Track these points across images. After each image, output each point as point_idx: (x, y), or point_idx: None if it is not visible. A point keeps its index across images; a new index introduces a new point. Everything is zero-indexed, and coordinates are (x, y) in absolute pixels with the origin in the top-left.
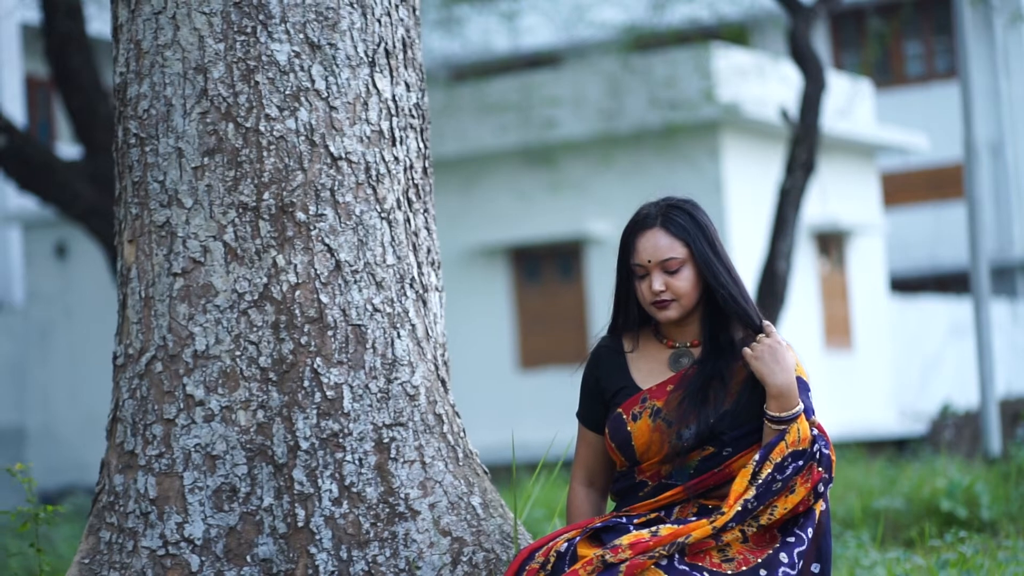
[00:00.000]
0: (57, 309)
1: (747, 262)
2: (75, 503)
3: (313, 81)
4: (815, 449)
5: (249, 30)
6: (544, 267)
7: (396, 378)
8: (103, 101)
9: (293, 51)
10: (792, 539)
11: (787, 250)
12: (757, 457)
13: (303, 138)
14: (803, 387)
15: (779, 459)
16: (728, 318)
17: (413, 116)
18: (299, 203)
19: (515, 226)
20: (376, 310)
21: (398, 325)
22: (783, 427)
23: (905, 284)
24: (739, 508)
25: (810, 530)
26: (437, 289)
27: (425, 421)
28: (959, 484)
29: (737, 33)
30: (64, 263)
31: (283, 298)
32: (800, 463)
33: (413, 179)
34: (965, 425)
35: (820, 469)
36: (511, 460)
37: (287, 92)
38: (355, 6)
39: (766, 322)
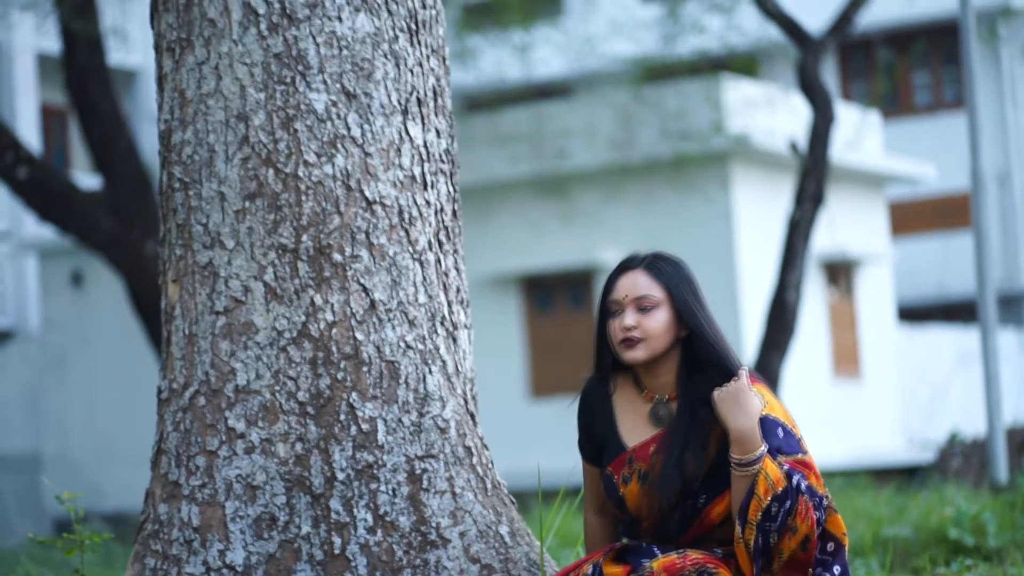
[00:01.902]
0: (73, 337)
1: (756, 292)
2: (91, 529)
3: (349, 129)
4: (794, 484)
5: (288, 80)
6: (556, 296)
7: (428, 412)
8: (122, 132)
9: (330, 100)
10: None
11: (797, 281)
12: (739, 527)
13: (340, 183)
14: (771, 426)
15: (758, 517)
16: (704, 371)
17: (443, 161)
18: (336, 245)
19: (527, 255)
20: (409, 347)
21: (429, 361)
22: (747, 472)
23: (913, 313)
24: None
25: (837, 568)
26: (466, 327)
27: (455, 453)
28: (966, 513)
29: (746, 64)
30: (80, 291)
31: (320, 335)
32: (788, 504)
33: (443, 222)
34: (973, 453)
35: (810, 503)
36: (523, 488)
37: (324, 139)
38: (389, 57)
39: (741, 368)
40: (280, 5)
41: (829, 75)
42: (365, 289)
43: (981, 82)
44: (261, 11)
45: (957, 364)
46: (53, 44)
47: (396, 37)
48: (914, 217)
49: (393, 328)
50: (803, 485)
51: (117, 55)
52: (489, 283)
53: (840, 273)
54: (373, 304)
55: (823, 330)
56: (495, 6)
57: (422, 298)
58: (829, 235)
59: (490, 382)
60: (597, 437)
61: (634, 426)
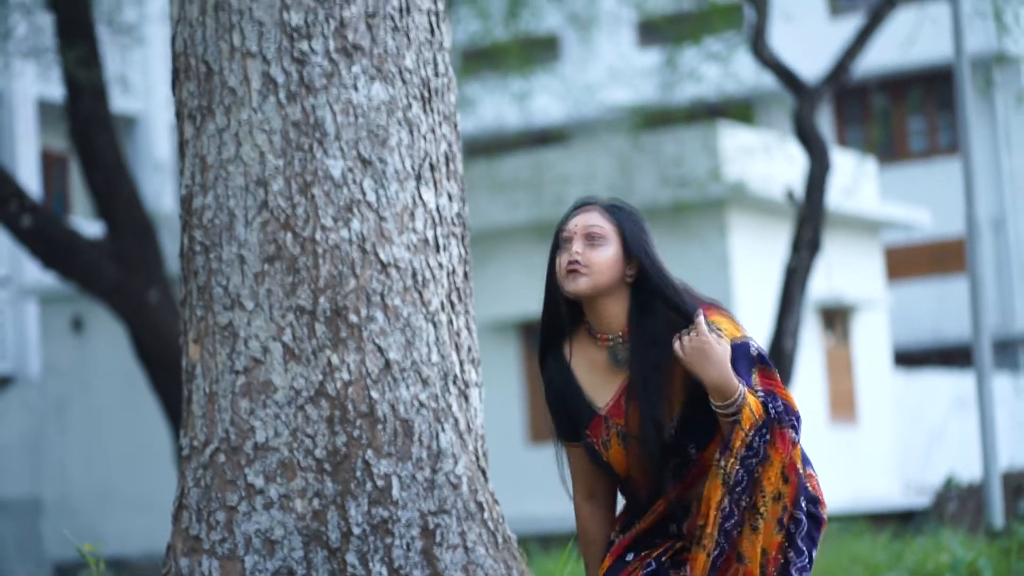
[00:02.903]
0: (73, 382)
1: (753, 338)
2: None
3: (365, 194)
4: (772, 414)
5: (306, 147)
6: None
7: (441, 468)
8: (125, 180)
9: (347, 166)
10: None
11: (794, 328)
12: (718, 455)
13: (356, 246)
14: (742, 353)
15: (742, 450)
16: (655, 312)
17: (455, 224)
18: (352, 306)
19: (526, 301)
20: (422, 405)
21: (442, 419)
22: (733, 415)
23: (909, 357)
24: (719, 516)
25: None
26: (477, 385)
27: (467, 509)
28: (962, 560)
29: (743, 111)
30: (81, 337)
31: (337, 394)
32: (765, 432)
33: (455, 283)
34: (969, 498)
35: (784, 429)
36: (523, 533)
37: (341, 204)
38: (403, 124)
39: (697, 312)
40: (298, 74)
41: (825, 121)
42: (380, 349)
43: (976, 128)
44: (280, 80)
45: (953, 408)
46: (54, 90)
47: (410, 105)
48: (910, 262)
49: (407, 387)
50: (779, 412)
51: (118, 100)
52: (488, 328)
53: (836, 318)
54: (388, 364)
55: (820, 375)
56: (493, 53)
57: (435, 358)
58: (825, 281)
59: (489, 427)
60: (570, 410)
61: (598, 384)
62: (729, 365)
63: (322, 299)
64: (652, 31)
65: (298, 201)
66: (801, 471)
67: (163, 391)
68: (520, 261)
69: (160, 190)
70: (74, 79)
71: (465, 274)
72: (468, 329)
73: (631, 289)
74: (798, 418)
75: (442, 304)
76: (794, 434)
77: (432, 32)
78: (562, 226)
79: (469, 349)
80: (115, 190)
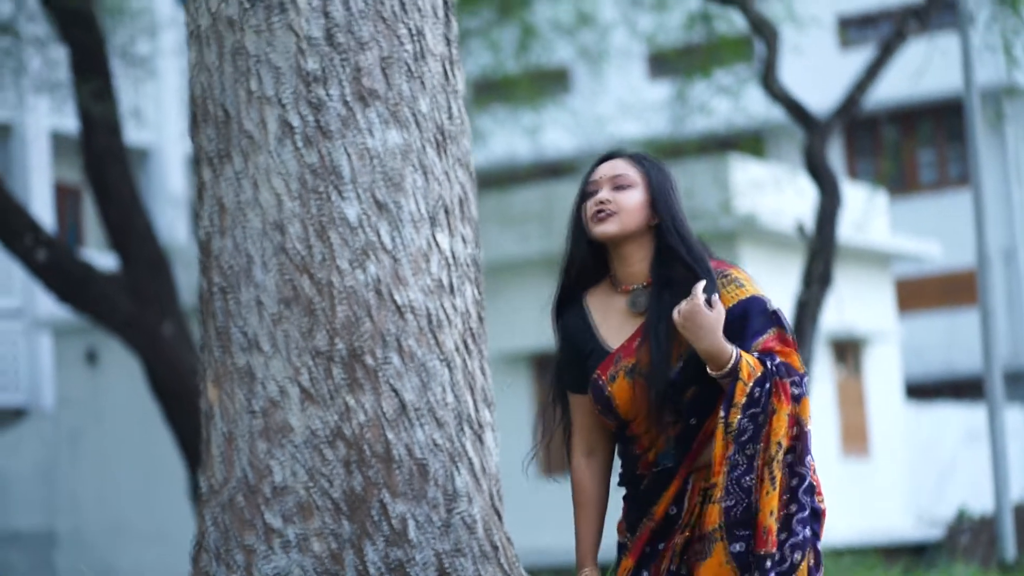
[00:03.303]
0: (87, 415)
1: None
2: None
3: (380, 237)
4: (769, 367)
5: (322, 191)
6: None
7: (456, 510)
8: (139, 214)
9: (362, 210)
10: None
11: (805, 361)
12: (722, 411)
13: (371, 290)
14: (759, 308)
15: (743, 400)
16: (676, 263)
17: (469, 267)
18: (368, 349)
19: (537, 334)
20: (437, 447)
21: (457, 461)
22: (727, 379)
23: (920, 390)
24: (726, 466)
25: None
26: (491, 426)
27: (483, 550)
28: None
29: (754, 144)
30: (94, 369)
31: (353, 436)
32: (767, 384)
33: (470, 326)
34: (981, 530)
35: (785, 381)
36: (533, 565)
37: (357, 248)
38: (417, 168)
39: (697, 284)
40: (315, 120)
41: (835, 153)
42: (396, 391)
43: (986, 160)
44: (296, 125)
45: (965, 441)
46: (67, 122)
47: (424, 149)
48: (921, 294)
49: (423, 429)
50: (777, 365)
51: (131, 133)
52: (500, 361)
53: (848, 351)
54: (403, 406)
55: (831, 408)
56: (504, 85)
57: (450, 400)
58: (836, 313)
59: (500, 460)
60: (580, 353)
61: (614, 329)
62: (720, 333)
63: (339, 342)
64: (662, 64)
65: (315, 245)
66: (809, 429)
67: (177, 424)
68: (532, 294)
69: (173, 222)
70: (88, 113)
71: (479, 316)
72: (482, 371)
73: (655, 238)
74: (801, 376)
75: (457, 346)
76: (797, 389)
77: (446, 77)
78: (588, 177)
79: (483, 391)
80: (129, 223)
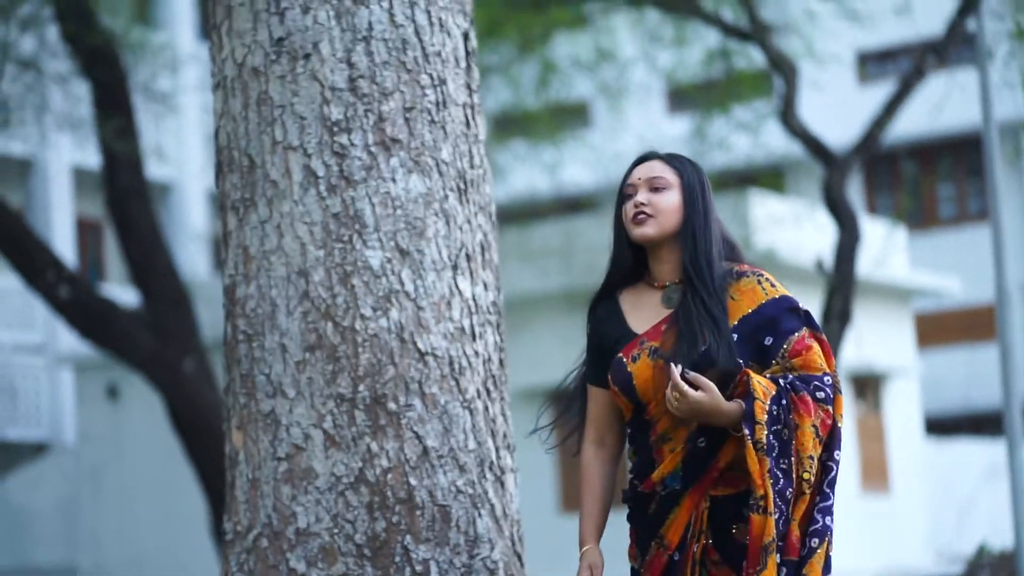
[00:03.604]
0: (108, 450)
1: None
2: None
3: (403, 284)
4: (783, 384)
5: (346, 238)
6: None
7: (478, 554)
8: (161, 251)
9: (385, 257)
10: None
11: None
12: (746, 429)
13: (394, 336)
14: (788, 306)
15: (764, 417)
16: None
17: (490, 313)
18: (391, 394)
19: (558, 369)
20: (459, 491)
21: (479, 505)
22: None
23: (940, 425)
24: (770, 480)
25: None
26: (512, 471)
27: None
28: None
29: (773, 179)
30: (116, 405)
31: (376, 481)
32: (783, 401)
33: (491, 371)
34: (1001, 567)
35: (802, 394)
36: None
37: (380, 294)
38: (440, 215)
39: (673, 372)
40: (338, 167)
41: (854, 188)
42: (418, 436)
43: (1005, 195)
44: (320, 173)
45: (985, 476)
46: (89, 157)
47: (446, 196)
48: (940, 329)
49: (445, 473)
50: (790, 381)
51: (152, 168)
52: (519, 397)
53: (867, 387)
54: (426, 451)
55: (851, 444)
56: (524, 120)
57: (471, 444)
58: (856, 349)
59: (521, 495)
60: (607, 342)
61: (645, 318)
62: (718, 400)
63: (362, 387)
64: (682, 98)
65: (338, 291)
66: (840, 425)
67: (198, 460)
68: (552, 330)
69: (194, 258)
70: (111, 150)
71: (500, 361)
72: (503, 415)
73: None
74: (824, 376)
75: (478, 391)
76: (822, 392)
77: (468, 125)
78: (626, 179)
79: (504, 435)
80: (151, 260)
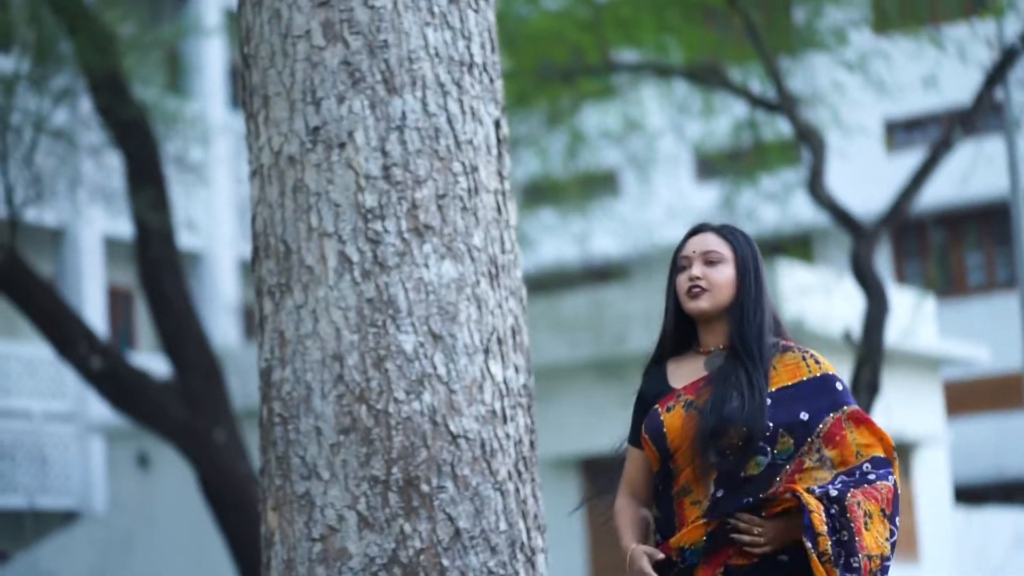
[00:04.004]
0: (139, 518)
1: None
2: None
3: (436, 368)
4: (833, 493)
5: (380, 323)
6: (615, 479)
7: None
8: (193, 322)
9: (418, 341)
10: None
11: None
12: (808, 542)
13: (427, 419)
14: (831, 382)
15: (823, 527)
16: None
17: (521, 396)
18: (423, 476)
19: (587, 438)
20: (491, 572)
21: None
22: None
23: (970, 493)
24: None
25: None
26: (543, 551)
27: None
28: None
29: (801, 247)
30: (146, 473)
31: (409, 562)
32: (835, 508)
33: (522, 453)
34: None
35: (848, 501)
36: None
37: (413, 378)
38: (471, 300)
39: (741, 537)
40: (372, 254)
41: (883, 256)
42: (450, 518)
43: None
44: (355, 259)
45: (1014, 545)
46: (119, 227)
47: (478, 282)
48: (969, 397)
49: (476, 555)
50: (837, 490)
51: (183, 237)
52: (549, 466)
53: (896, 455)
54: (458, 532)
55: None
56: (552, 189)
57: (503, 526)
58: (885, 418)
59: (550, 565)
60: (647, 399)
61: (686, 376)
62: (781, 530)
63: (395, 469)
64: (710, 165)
65: (372, 375)
66: (897, 488)
67: (229, 529)
68: (581, 399)
69: (225, 327)
70: (143, 222)
71: (531, 443)
72: (534, 496)
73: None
74: (862, 469)
75: (509, 473)
76: (874, 473)
77: (499, 211)
78: (680, 250)
79: (535, 516)
80: (183, 331)
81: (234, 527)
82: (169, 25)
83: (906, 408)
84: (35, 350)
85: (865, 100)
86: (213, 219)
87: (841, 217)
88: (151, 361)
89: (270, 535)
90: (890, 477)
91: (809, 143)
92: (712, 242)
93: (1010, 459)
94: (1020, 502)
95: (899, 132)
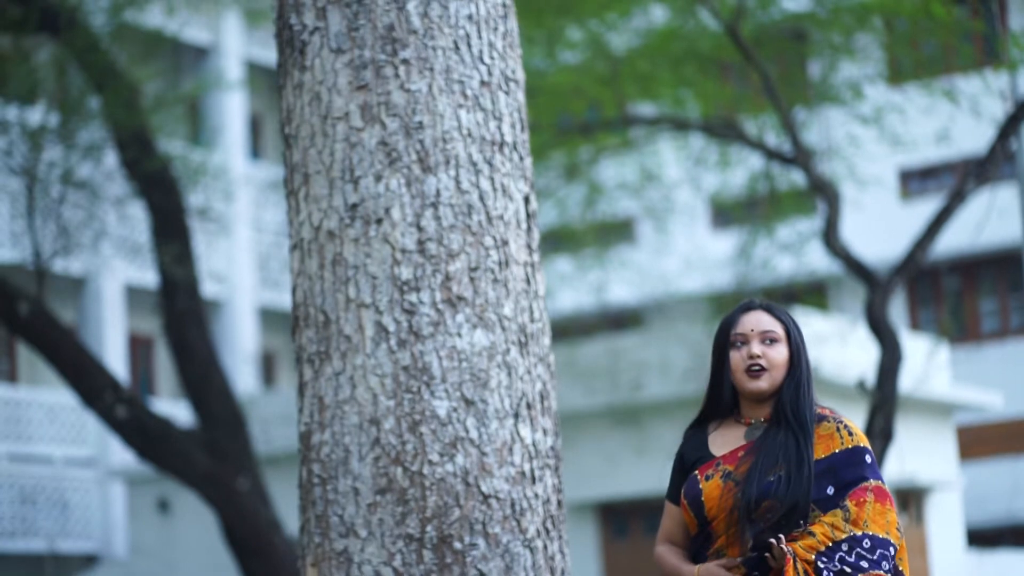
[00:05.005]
0: (159, 563)
1: None
2: None
3: (468, 431)
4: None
5: (415, 389)
6: (631, 524)
7: None
8: (217, 373)
9: (451, 406)
10: None
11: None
12: None
13: (460, 480)
14: (861, 455)
15: None
16: (803, 400)
17: (549, 457)
18: (456, 534)
19: (603, 484)
20: None
21: None
22: None
23: (983, 537)
24: None
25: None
26: None
27: None
28: None
29: (816, 295)
30: (167, 518)
31: None
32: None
33: (550, 511)
34: None
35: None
36: None
37: (446, 441)
38: (502, 367)
39: (783, 551)
40: (408, 323)
41: (897, 303)
42: (482, 574)
43: None
44: (391, 329)
45: None
46: (140, 275)
47: (508, 350)
48: (982, 441)
49: None
50: (840, 567)
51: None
52: (567, 511)
53: (910, 500)
54: None
55: None
56: (569, 237)
57: None
58: (898, 464)
59: None
60: (687, 463)
61: (723, 444)
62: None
63: (429, 528)
64: (726, 215)
65: (407, 438)
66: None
67: (251, 575)
68: (598, 445)
69: (244, 374)
70: (169, 275)
71: (558, 502)
72: (561, 553)
73: (784, 383)
74: (866, 547)
75: (538, 531)
76: (862, 563)
77: (528, 282)
78: (734, 326)
79: (563, 571)
80: (207, 383)
81: (256, 572)
82: (190, 77)
83: (920, 453)
84: (56, 396)
85: (880, 152)
86: (232, 267)
87: (856, 268)
88: (171, 408)
89: None
90: (884, 564)
91: (824, 195)
92: (767, 322)
93: (1023, 503)
94: None
95: (913, 181)
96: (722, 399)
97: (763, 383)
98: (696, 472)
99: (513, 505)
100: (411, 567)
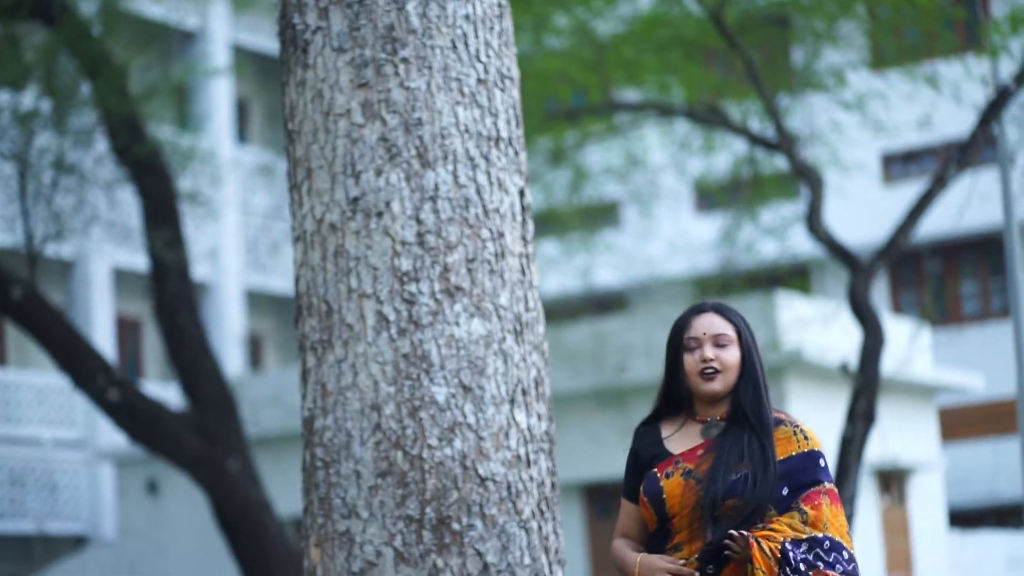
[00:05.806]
0: (147, 544)
1: None
2: None
3: (465, 416)
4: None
5: (415, 376)
6: (616, 506)
7: None
8: (208, 357)
9: (450, 393)
10: None
11: (850, 496)
12: None
13: (458, 463)
14: (815, 458)
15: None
16: (763, 401)
17: (543, 441)
18: (454, 516)
19: (588, 466)
20: None
21: None
22: None
23: (964, 517)
24: None
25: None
26: None
27: None
28: None
29: (799, 279)
30: (155, 499)
31: None
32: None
33: (544, 493)
34: None
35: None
36: None
37: (445, 426)
38: (498, 355)
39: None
40: (407, 313)
41: (879, 286)
42: (479, 553)
43: None
44: (391, 318)
45: (1009, 568)
46: (127, 258)
47: (504, 338)
48: (964, 423)
49: None
50: (801, 560)
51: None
52: None
53: (892, 481)
54: (486, 567)
55: (876, 537)
56: (555, 220)
57: (527, 560)
58: (880, 445)
59: None
60: (642, 460)
61: (679, 441)
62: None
63: (428, 509)
64: (710, 200)
65: (407, 423)
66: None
67: (241, 556)
68: (583, 427)
69: (232, 356)
70: (159, 259)
71: (552, 484)
72: (555, 533)
73: (738, 383)
74: (827, 548)
75: (533, 513)
76: (818, 564)
77: (523, 273)
78: (686, 329)
79: (556, 551)
80: (198, 366)
81: (247, 553)
82: (178, 62)
83: (902, 435)
84: (45, 378)
85: (862, 137)
86: (220, 250)
87: (838, 252)
88: (159, 389)
89: (312, 569)
90: (837, 567)
91: (807, 180)
92: (719, 324)
93: (1004, 484)
94: (1014, 526)
95: (895, 165)
96: (676, 399)
97: (717, 385)
98: (655, 470)
99: (509, 487)
100: (411, 547)
